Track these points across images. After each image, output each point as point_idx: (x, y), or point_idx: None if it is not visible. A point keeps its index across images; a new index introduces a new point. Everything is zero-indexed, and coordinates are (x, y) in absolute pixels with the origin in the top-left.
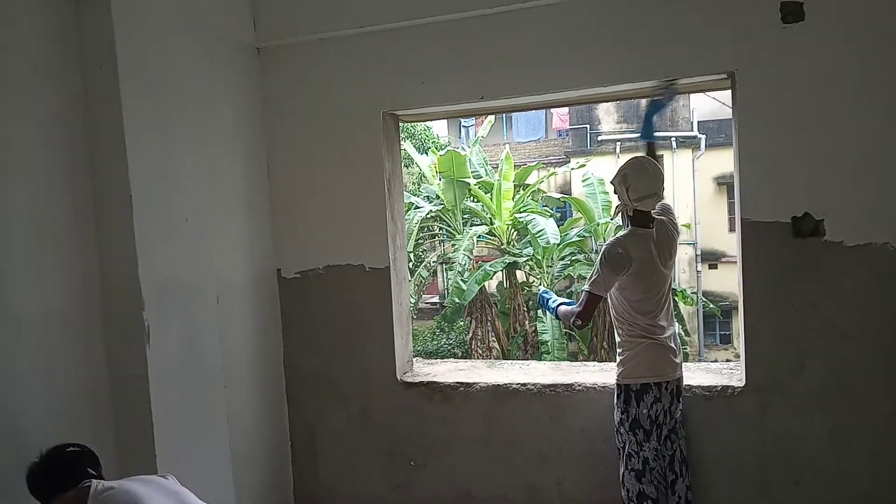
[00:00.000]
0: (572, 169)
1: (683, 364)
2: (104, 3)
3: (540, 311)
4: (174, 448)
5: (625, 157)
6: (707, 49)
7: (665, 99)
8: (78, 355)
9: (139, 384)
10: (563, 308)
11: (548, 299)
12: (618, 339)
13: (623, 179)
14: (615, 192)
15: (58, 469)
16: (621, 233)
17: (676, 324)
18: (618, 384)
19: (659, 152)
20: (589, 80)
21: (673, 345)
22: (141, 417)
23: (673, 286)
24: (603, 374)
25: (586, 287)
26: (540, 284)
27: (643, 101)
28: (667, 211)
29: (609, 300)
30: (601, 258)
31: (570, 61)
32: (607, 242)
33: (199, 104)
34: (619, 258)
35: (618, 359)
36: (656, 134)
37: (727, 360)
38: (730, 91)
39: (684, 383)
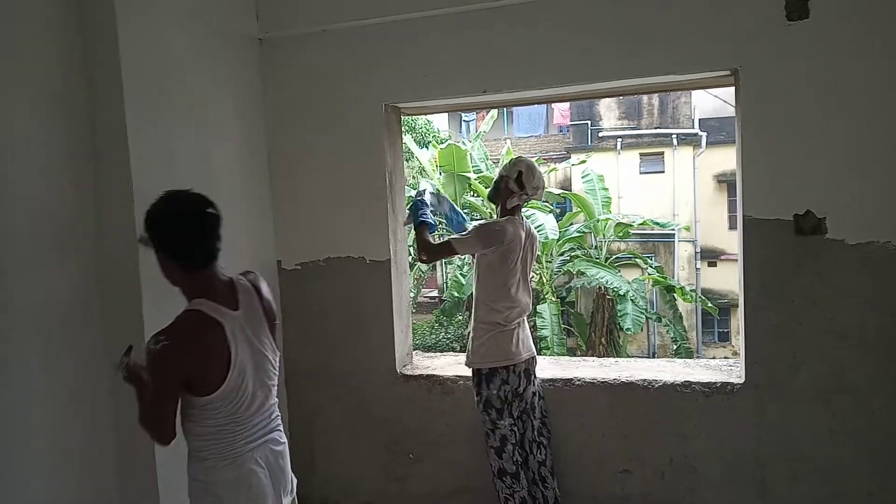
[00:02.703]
0: (572, 165)
1: (682, 361)
2: None
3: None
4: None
5: (626, 154)
6: (711, 45)
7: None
8: (77, 347)
9: None
10: (424, 234)
11: (423, 209)
12: (471, 326)
13: (528, 173)
14: (509, 187)
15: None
16: (503, 219)
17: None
18: (474, 369)
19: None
20: (592, 76)
21: (522, 330)
22: None
23: (673, 283)
24: (602, 369)
25: (452, 237)
26: (539, 278)
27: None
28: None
29: (478, 285)
30: (479, 227)
31: (574, 56)
32: (494, 220)
33: (201, 95)
34: (496, 234)
35: (471, 346)
36: (427, 216)
37: (725, 358)
38: (732, 88)
39: (684, 380)
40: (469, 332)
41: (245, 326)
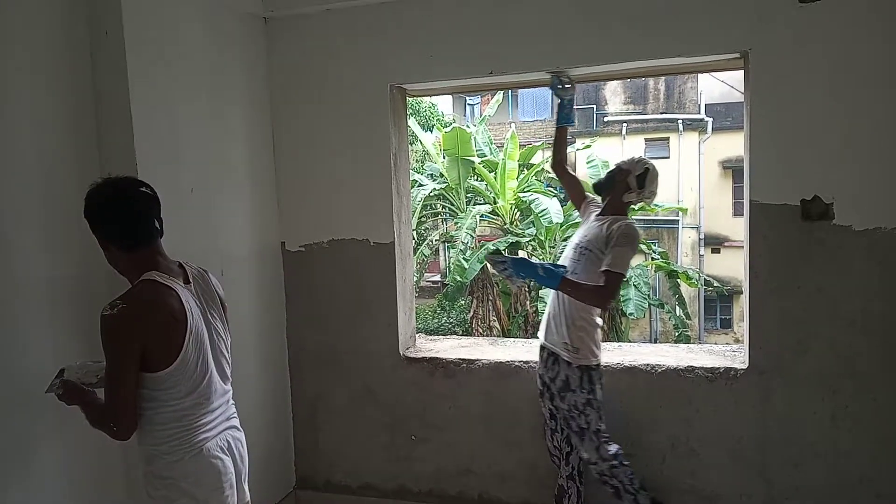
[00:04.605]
0: (577, 149)
1: (686, 346)
2: None
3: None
4: None
5: (631, 139)
6: (721, 27)
7: (561, 93)
8: (83, 324)
9: None
10: (578, 283)
11: (537, 266)
12: (576, 323)
13: (652, 175)
14: (627, 182)
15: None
16: (627, 219)
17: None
18: (582, 366)
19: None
20: (599, 57)
21: None
22: None
23: (676, 268)
24: (605, 353)
25: (616, 269)
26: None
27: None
28: None
29: (591, 283)
30: (631, 240)
31: (582, 37)
32: (629, 225)
33: (205, 73)
34: (638, 237)
35: (576, 344)
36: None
37: (727, 345)
38: (741, 72)
39: (687, 364)
40: (565, 328)
41: (198, 300)
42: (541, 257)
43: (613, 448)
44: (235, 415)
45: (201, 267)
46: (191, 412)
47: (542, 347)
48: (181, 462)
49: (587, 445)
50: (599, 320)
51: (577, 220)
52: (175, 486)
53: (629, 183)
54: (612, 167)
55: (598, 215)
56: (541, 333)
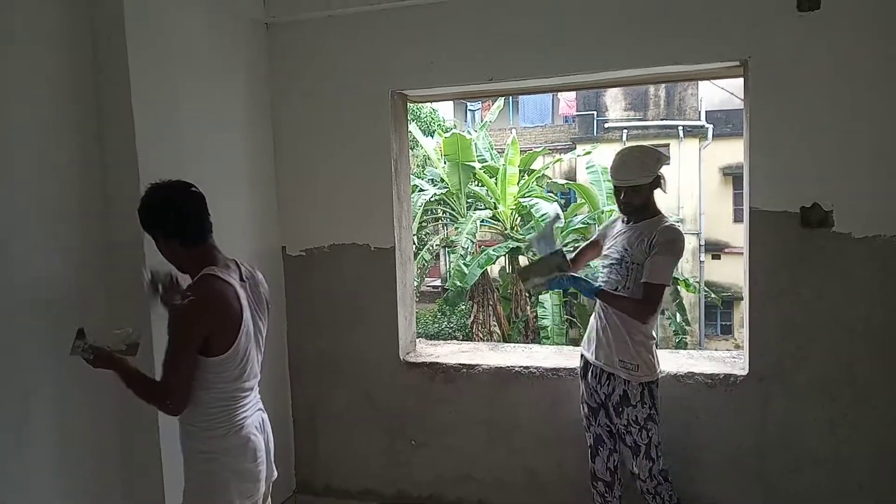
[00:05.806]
0: (578, 156)
1: (686, 352)
2: None
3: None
4: (176, 421)
5: (632, 146)
6: (720, 35)
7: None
8: (80, 324)
9: (142, 359)
10: (615, 295)
11: (574, 278)
12: (633, 338)
13: (664, 157)
14: (660, 183)
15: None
16: (670, 221)
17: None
18: (642, 383)
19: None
20: (599, 64)
21: None
22: None
23: (675, 275)
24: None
25: (656, 280)
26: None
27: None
28: None
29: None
30: (674, 248)
31: (581, 45)
32: (670, 229)
33: (207, 78)
34: (683, 243)
35: (635, 361)
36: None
37: (727, 351)
38: (741, 79)
39: (687, 370)
40: (622, 345)
41: (248, 297)
42: None
43: (661, 463)
44: (260, 399)
45: (251, 265)
46: (235, 394)
47: (591, 365)
48: (225, 437)
49: (642, 462)
50: (655, 332)
51: (577, 227)
52: (216, 460)
53: (660, 184)
54: (625, 193)
55: (630, 223)
56: (588, 350)
